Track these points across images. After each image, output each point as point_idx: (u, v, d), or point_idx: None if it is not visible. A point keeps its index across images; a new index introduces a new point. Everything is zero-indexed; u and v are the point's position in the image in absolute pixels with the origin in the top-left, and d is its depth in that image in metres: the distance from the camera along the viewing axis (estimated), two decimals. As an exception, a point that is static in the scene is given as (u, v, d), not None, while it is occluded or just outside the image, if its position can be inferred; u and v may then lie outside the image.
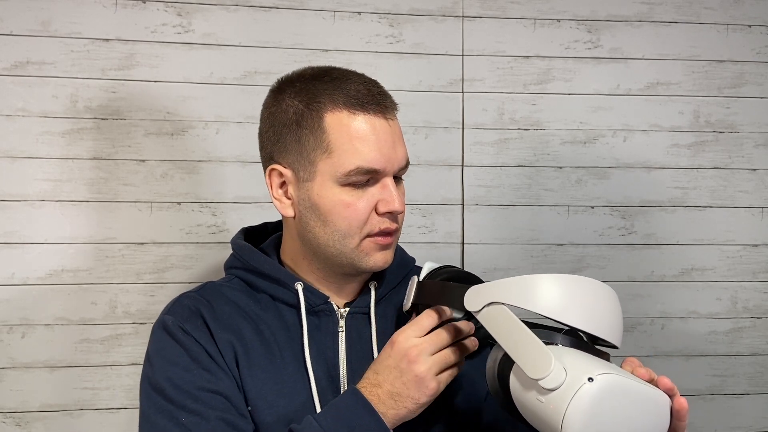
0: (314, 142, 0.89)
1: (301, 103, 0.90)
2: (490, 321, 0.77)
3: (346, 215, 0.89)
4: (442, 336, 0.83)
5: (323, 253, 0.92)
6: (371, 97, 0.89)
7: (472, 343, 0.86)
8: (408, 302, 0.89)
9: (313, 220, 0.91)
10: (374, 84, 0.92)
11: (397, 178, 0.93)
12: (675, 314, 1.48)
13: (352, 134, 0.87)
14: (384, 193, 0.89)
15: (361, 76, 0.93)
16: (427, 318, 0.84)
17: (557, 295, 0.75)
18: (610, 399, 0.67)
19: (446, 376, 0.83)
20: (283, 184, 0.93)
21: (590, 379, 0.67)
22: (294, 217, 0.93)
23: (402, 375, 0.81)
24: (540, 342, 0.72)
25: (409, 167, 1.41)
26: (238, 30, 1.38)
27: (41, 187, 1.31)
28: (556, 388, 0.69)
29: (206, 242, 1.36)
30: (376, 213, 0.89)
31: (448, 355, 0.83)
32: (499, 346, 0.78)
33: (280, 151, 0.92)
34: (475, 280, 0.88)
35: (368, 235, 0.90)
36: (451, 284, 0.86)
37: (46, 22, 1.32)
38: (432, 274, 0.90)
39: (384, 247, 0.92)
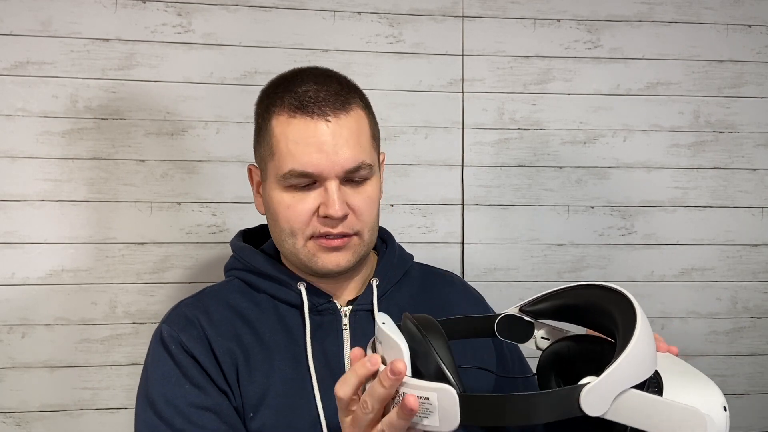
0: (265, 144, 0.92)
1: (263, 108, 0.94)
2: (624, 412, 0.64)
3: (287, 216, 0.90)
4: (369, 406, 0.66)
5: (283, 252, 0.95)
6: (315, 100, 0.88)
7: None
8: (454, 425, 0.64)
9: (270, 219, 0.94)
10: (326, 84, 0.90)
11: (356, 181, 0.90)
12: (675, 314, 1.48)
13: (288, 137, 0.88)
14: (324, 196, 0.88)
15: (320, 77, 0.91)
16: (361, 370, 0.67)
17: (653, 344, 0.69)
18: None
19: None
20: (259, 183, 0.97)
21: (725, 408, 0.67)
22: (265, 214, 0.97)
23: None
24: (682, 405, 0.65)
25: (410, 167, 1.43)
26: (238, 30, 1.38)
27: (41, 187, 1.31)
28: None
29: (206, 242, 1.36)
30: (318, 215, 0.89)
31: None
32: (617, 428, 0.67)
33: (255, 151, 0.97)
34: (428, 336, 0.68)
35: (312, 237, 0.90)
36: (545, 395, 0.63)
37: (46, 22, 1.32)
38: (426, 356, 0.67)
39: (332, 250, 0.91)
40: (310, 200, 0.89)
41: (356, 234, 0.91)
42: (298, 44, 1.40)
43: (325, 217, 0.88)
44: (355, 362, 0.69)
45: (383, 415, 0.66)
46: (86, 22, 1.33)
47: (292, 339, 0.92)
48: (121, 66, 1.34)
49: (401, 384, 0.64)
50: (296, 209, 0.89)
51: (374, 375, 0.66)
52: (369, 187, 0.92)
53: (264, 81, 1.37)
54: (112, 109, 1.34)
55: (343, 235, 0.90)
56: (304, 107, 0.88)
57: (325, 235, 0.90)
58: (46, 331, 1.31)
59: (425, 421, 0.64)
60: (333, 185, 0.88)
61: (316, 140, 0.87)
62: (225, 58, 1.37)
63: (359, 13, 1.42)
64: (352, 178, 0.90)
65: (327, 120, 0.88)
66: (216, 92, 1.37)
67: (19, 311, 1.30)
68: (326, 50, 1.40)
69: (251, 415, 0.88)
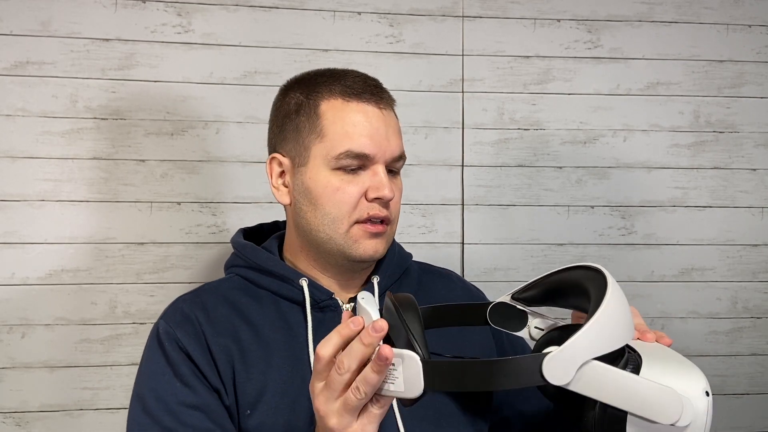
0: (309, 127, 0.92)
1: (302, 95, 0.95)
2: (588, 384, 0.62)
3: (335, 199, 0.91)
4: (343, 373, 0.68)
5: (315, 240, 0.94)
6: (366, 88, 0.93)
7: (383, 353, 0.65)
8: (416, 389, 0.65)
9: (306, 205, 0.93)
10: (372, 79, 0.96)
11: (393, 172, 0.95)
12: (675, 314, 1.48)
13: (345, 119, 0.91)
14: (374, 179, 0.91)
15: (362, 73, 0.97)
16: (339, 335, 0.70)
17: (626, 318, 0.68)
18: None
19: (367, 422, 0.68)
20: (282, 174, 0.96)
21: (707, 393, 0.66)
22: (290, 205, 0.96)
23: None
24: (656, 384, 0.64)
25: (410, 167, 1.43)
26: (238, 30, 1.38)
27: (41, 187, 1.31)
28: (691, 422, 0.64)
29: (206, 242, 1.36)
30: (366, 199, 0.91)
31: (353, 398, 0.67)
32: (588, 404, 0.66)
33: (281, 140, 0.96)
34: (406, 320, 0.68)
35: (357, 222, 0.91)
36: (506, 361, 0.62)
37: (46, 22, 1.32)
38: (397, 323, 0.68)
39: (374, 236, 0.92)
40: (358, 182, 0.91)
41: (390, 223, 0.94)
42: (298, 44, 1.40)
43: (376, 199, 0.91)
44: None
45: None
46: (86, 22, 1.33)
47: (293, 336, 0.93)
48: (121, 66, 1.34)
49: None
50: (346, 191, 0.90)
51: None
52: (399, 181, 0.97)
53: (264, 81, 1.39)
54: (112, 109, 1.34)
55: (384, 221, 0.93)
56: (358, 94, 0.92)
57: (370, 219, 0.91)
58: (46, 331, 1.31)
59: (391, 387, 0.66)
60: (382, 169, 0.92)
61: (371, 125, 0.91)
62: (225, 58, 1.37)
63: (359, 13, 1.42)
64: (392, 168, 0.94)
65: (381, 108, 0.93)
66: (216, 92, 1.37)
67: (19, 311, 1.30)
68: (326, 50, 1.40)
69: (248, 412, 0.88)
